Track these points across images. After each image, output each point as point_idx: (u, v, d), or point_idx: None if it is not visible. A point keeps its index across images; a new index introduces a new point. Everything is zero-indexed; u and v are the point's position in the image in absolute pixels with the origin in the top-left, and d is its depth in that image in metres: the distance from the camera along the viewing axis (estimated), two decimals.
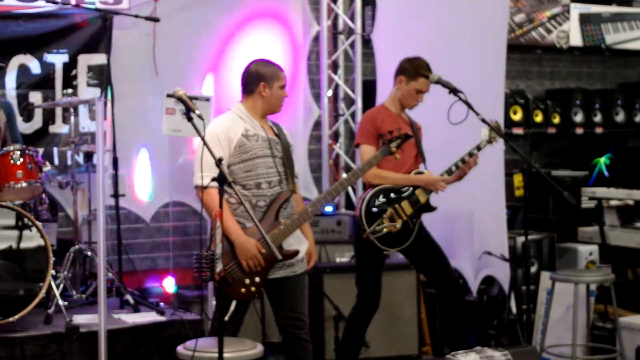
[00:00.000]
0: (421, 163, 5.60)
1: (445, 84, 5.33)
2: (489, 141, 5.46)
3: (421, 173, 5.50)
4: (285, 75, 4.78)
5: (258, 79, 4.69)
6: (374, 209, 5.30)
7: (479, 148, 5.44)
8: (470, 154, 5.45)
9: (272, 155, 4.65)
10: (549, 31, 8.67)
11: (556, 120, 8.27)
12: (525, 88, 8.58)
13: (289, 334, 4.68)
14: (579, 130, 8.36)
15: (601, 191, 6.70)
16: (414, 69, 5.46)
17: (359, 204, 5.35)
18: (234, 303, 4.56)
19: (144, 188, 6.82)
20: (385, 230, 5.24)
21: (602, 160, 7.28)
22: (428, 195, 5.44)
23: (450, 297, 5.56)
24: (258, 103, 4.71)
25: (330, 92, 7.72)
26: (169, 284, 6.30)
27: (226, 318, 4.40)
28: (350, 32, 7.77)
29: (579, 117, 8.36)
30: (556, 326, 5.73)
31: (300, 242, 4.71)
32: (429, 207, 5.48)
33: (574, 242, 7.01)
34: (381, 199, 5.34)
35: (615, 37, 8.96)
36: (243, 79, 4.76)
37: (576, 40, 8.77)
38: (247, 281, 4.49)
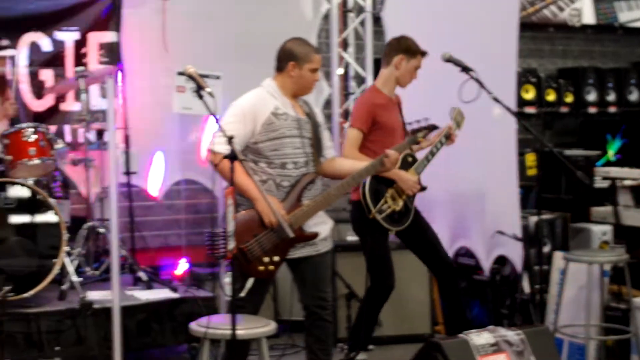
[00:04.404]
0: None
1: (456, 62, 5.32)
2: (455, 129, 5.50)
3: (413, 157, 5.48)
4: (320, 59, 4.68)
5: (288, 58, 4.63)
6: (376, 190, 5.31)
7: (442, 143, 5.48)
8: (437, 147, 5.47)
9: (300, 136, 4.60)
10: (561, 9, 8.61)
11: (569, 99, 8.23)
12: (538, 67, 8.53)
13: (312, 313, 4.68)
14: (592, 109, 8.32)
15: (615, 171, 6.67)
16: (413, 47, 5.50)
17: (359, 188, 5.34)
18: (250, 281, 4.55)
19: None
20: (389, 210, 5.26)
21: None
22: (419, 175, 5.43)
23: (446, 277, 5.60)
24: (287, 82, 4.65)
25: (340, 71, 7.69)
26: (182, 266, 6.28)
27: (243, 294, 4.39)
28: (360, 9, 7.73)
29: (591, 96, 8.31)
30: (569, 306, 5.72)
31: (323, 222, 4.69)
32: (421, 187, 5.48)
33: (587, 222, 6.97)
34: (380, 180, 5.34)
35: (629, 15, 8.90)
36: (277, 55, 4.70)
37: (589, 18, 8.72)
38: (266, 259, 4.48)
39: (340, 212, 6.72)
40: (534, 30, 8.61)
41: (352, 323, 5.98)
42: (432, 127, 4.97)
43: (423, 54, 5.50)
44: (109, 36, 6.62)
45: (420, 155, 5.53)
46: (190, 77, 4.20)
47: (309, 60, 4.62)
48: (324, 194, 4.61)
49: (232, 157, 4.01)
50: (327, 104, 7.67)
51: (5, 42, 5.91)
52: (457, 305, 5.67)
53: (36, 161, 5.39)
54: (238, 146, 4.23)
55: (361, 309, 5.56)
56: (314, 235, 4.60)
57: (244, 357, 4.66)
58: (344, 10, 7.75)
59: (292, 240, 4.47)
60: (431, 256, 5.61)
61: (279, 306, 6.28)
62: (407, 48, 5.49)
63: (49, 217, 5.28)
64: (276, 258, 4.50)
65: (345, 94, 7.80)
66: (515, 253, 6.06)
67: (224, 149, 4.24)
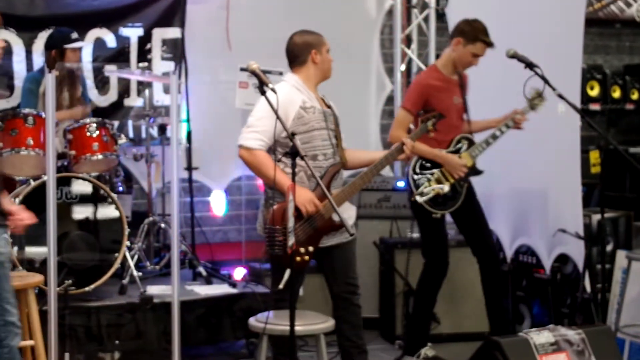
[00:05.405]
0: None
1: (521, 59, 5.24)
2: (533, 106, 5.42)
3: (469, 140, 5.42)
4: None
5: (308, 48, 4.70)
6: (422, 172, 5.29)
7: (507, 126, 5.40)
8: (501, 130, 5.40)
9: (327, 128, 4.66)
10: (628, 5, 8.47)
11: (635, 96, 8.11)
12: (603, 63, 8.40)
13: (344, 300, 4.72)
14: None
15: None
16: (473, 33, 5.44)
17: (408, 168, 5.36)
18: (287, 272, 4.57)
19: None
20: (432, 192, 5.23)
21: None
22: (474, 159, 5.38)
23: (489, 263, 5.57)
24: (312, 72, 4.71)
25: (403, 67, 7.65)
26: (239, 274, 6.30)
27: (281, 286, 4.39)
28: (424, 5, 7.68)
29: None
30: (632, 306, 5.62)
31: (346, 209, 4.68)
32: (476, 171, 5.44)
33: None
34: (428, 162, 5.32)
35: None
36: (291, 51, 4.75)
37: None
38: (302, 250, 4.49)
39: (399, 209, 6.69)
40: (601, 26, 8.48)
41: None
42: (440, 116, 4.91)
43: (488, 44, 5.42)
44: (172, 32, 6.68)
45: (479, 137, 5.49)
46: (253, 73, 4.22)
47: (322, 42, 4.74)
48: (350, 184, 4.66)
49: (293, 153, 4.03)
50: (389, 101, 7.65)
51: (75, 35, 5.98)
52: (497, 298, 5.63)
53: (99, 156, 5.46)
54: (269, 140, 4.45)
55: (416, 301, 5.54)
56: (341, 225, 4.54)
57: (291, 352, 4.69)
58: (408, 6, 7.71)
59: (324, 230, 4.52)
60: (476, 240, 5.59)
61: None
62: (467, 32, 5.44)
63: (111, 211, 5.36)
64: (310, 248, 4.53)
65: None
66: (577, 251, 5.97)
67: (256, 144, 4.48)
